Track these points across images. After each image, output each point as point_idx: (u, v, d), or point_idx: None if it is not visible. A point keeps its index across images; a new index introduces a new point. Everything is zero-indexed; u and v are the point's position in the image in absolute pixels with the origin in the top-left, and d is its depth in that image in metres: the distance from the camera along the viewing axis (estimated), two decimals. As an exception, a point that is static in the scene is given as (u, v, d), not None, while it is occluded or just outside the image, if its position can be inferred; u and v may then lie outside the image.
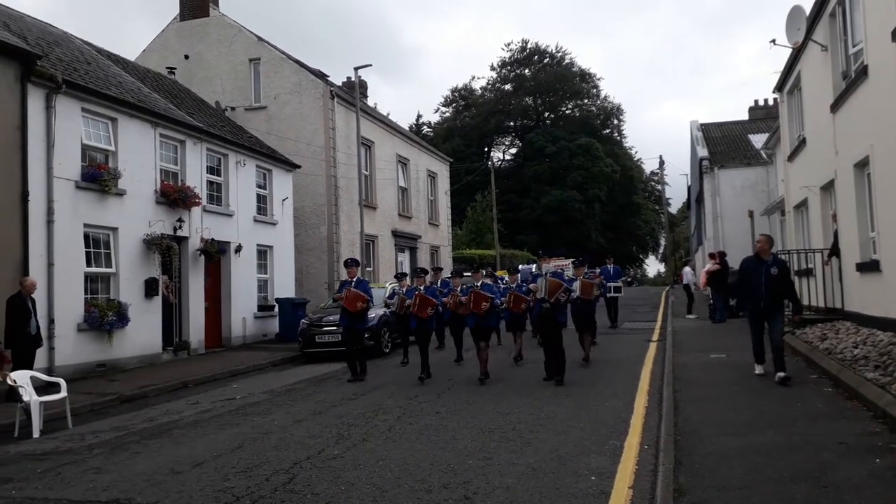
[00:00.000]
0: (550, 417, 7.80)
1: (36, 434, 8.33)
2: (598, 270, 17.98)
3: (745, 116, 33.49)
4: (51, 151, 12.46)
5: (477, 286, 10.99)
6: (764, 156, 25.91)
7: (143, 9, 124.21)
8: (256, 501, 5.34)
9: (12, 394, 9.11)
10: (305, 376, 12.68)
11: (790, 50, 14.35)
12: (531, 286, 10.20)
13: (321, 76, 24.22)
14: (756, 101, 33.35)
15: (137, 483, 6.03)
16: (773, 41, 13.63)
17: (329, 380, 11.99)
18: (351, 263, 11.80)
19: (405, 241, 28.16)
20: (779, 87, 17.54)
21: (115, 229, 14.10)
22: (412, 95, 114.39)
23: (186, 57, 24.24)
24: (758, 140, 27.66)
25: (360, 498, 5.28)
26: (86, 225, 13.39)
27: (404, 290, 12.69)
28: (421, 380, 10.85)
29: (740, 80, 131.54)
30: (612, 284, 17.58)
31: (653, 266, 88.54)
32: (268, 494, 5.50)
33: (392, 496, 5.29)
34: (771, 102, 30.75)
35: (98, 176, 13.50)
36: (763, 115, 31.45)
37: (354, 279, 11.69)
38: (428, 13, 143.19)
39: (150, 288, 14.76)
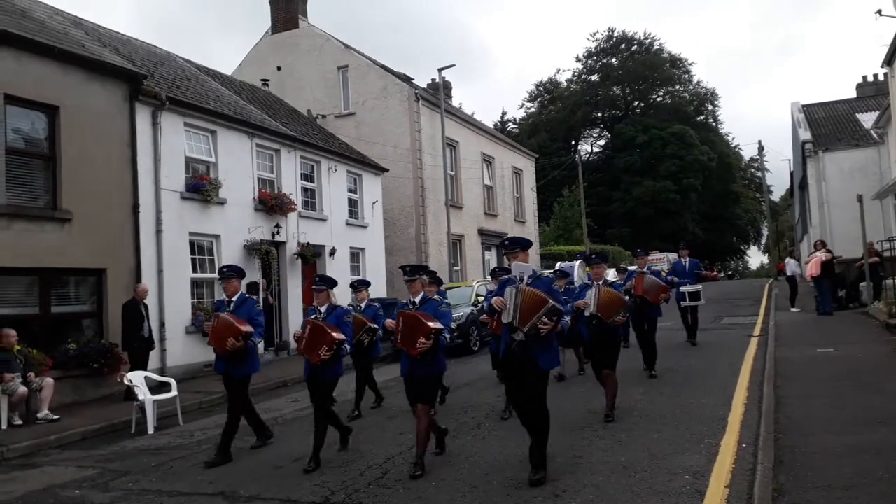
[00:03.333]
0: (643, 415, 7.63)
1: (150, 430, 8.94)
2: (653, 267, 13.13)
3: (853, 94, 31.39)
4: (158, 164, 13.32)
5: (412, 305, 6.42)
6: (875, 135, 24.20)
7: (237, 27, 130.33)
8: (351, 495, 5.54)
9: (129, 393, 9.81)
10: (398, 374, 12.93)
11: (899, 21, 13.37)
12: (494, 300, 5.79)
13: (406, 79, 24.65)
14: (864, 77, 31.19)
15: (241, 477, 6.37)
16: (879, 12, 12.75)
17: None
18: (228, 274, 7.39)
19: (491, 240, 28.19)
20: (888, 61, 16.37)
21: (217, 236, 14.89)
22: (497, 92, 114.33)
23: (279, 68, 25.25)
24: (867, 119, 25.85)
25: (451, 493, 5.37)
26: (191, 233, 14.21)
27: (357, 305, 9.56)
28: (307, 470, 6.35)
29: (845, 57, 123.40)
30: (686, 290, 12.82)
31: (755, 257, 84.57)
32: (362, 488, 5.69)
33: (482, 492, 5.36)
34: (881, 78, 28.69)
35: (201, 186, 14.30)
36: (873, 92, 29.36)
37: (235, 297, 7.33)
38: (506, 8, 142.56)
39: (252, 291, 15.47)
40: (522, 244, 5.98)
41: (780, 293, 23.62)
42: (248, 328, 7.00)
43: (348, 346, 6.94)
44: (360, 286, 9.70)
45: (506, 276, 6.08)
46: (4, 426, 9.13)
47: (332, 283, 7.30)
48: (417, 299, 6.42)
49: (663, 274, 11.94)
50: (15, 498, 6.27)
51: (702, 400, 8.20)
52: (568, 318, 5.73)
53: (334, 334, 6.58)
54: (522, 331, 5.48)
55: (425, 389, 6.27)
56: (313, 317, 6.92)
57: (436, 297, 6.85)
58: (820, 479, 4.91)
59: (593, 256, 8.14)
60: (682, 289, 12.92)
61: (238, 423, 7.34)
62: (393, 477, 5.95)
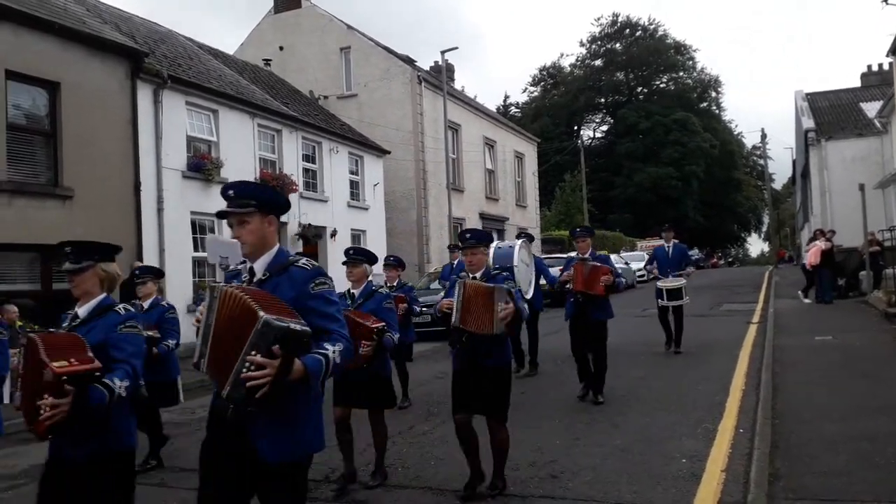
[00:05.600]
0: (640, 400, 7.67)
1: (152, 407, 8.94)
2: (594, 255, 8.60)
3: (857, 83, 31.25)
4: (159, 143, 13.29)
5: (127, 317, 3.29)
6: (878, 125, 24.12)
7: (230, 8, 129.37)
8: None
9: (130, 370, 9.80)
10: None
11: (907, 9, 13.27)
12: (199, 311, 2.77)
13: (409, 61, 24.50)
14: (869, 67, 31.02)
15: (241, 454, 6.41)
16: (885, 1, 12.65)
17: (419, 359, 12.24)
18: None
19: (492, 224, 28.18)
20: (893, 51, 16.26)
21: (218, 216, 14.88)
22: (499, 76, 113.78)
23: (281, 48, 25.11)
24: (871, 108, 25.77)
25: (448, 472, 5.41)
26: (192, 212, 14.21)
27: None
28: None
29: (850, 45, 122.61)
30: (665, 285, 10.30)
31: (755, 245, 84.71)
32: (360, 467, 5.72)
33: (479, 473, 5.39)
34: (886, 67, 28.53)
35: (202, 165, 14.29)
36: (877, 82, 29.24)
37: None
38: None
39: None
40: (259, 197, 2.82)
41: (781, 281, 23.65)
42: None
43: (119, 387, 3.04)
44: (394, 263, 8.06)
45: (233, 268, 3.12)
46: (6, 401, 9.17)
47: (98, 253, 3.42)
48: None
49: (617, 263, 9.58)
50: (17, 472, 6.32)
51: (700, 385, 8.24)
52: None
53: (54, 364, 2.84)
54: (223, 391, 2.58)
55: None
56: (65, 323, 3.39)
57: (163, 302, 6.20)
58: (816, 465, 4.95)
59: (467, 236, 4.98)
60: (659, 284, 10.48)
61: None
62: (392, 456, 5.98)
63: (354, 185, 20.51)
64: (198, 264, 14.48)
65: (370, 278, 5.55)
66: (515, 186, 31.41)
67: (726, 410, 6.89)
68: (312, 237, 17.51)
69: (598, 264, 7.58)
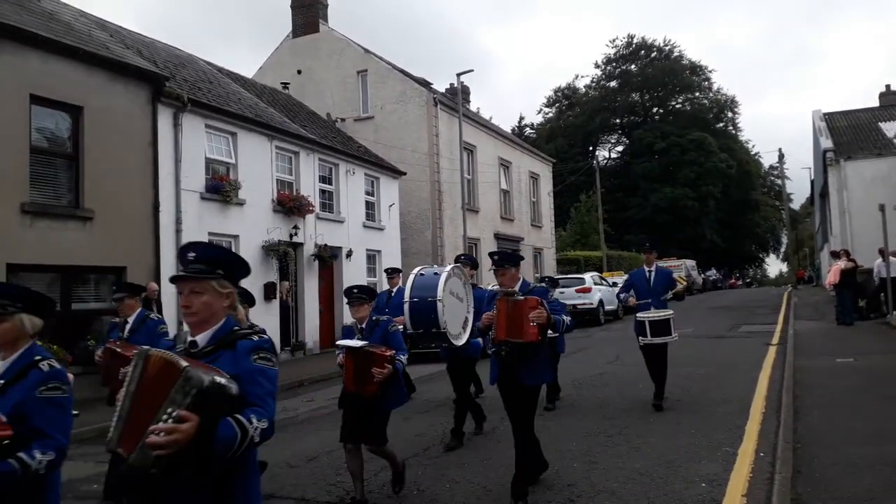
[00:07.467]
0: (659, 422, 7.59)
1: (168, 427, 8.95)
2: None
3: (876, 103, 31.05)
4: (178, 165, 13.48)
5: None
6: (897, 145, 23.94)
7: (244, 36, 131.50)
8: (365, 496, 5.55)
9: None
10: (413, 375, 12.93)
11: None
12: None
13: (425, 84, 24.73)
14: (887, 86, 30.84)
15: (257, 475, 6.40)
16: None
17: (435, 380, 12.19)
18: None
19: (507, 244, 28.14)
20: (912, 70, 16.15)
21: (236, 237, 15.02)
22: (515, 98, 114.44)
23: (299, 72, 25.43)
24: (890, 128, 25.59)
25: (465, 496, 5.37)
26: (210, 233, 14.35)
27: None
28: None
29: (868, 65, 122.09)
30: (647, 317, 8.20)
31: (774, 266, 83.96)
32: (376, 489, 5.71)
33: (495, 496, 5.35)
34: (905, 87, 28.35)
35: (220, 187, 14.45)
36: (896, 101, 29.06)
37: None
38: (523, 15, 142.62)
39: (269, 291, 15.60)
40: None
41: (800, 301, 23.36)
42: None
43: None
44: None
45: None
46: None
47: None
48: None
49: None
50: None
51: (719, 408, 8.13)
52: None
53: None
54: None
55: None
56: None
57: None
58: (839, 490, 4.86)
59: (189, 256, 2.64)
60: (639, 315, 8.33)
61: None
62: (408, 479, 5.94)
63: (370, 206, 20.63)
64: (215, 285, 14.60)
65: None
66: (530, 207, 31.43)
67: (746, 434, 6.79)
68: (328, 258, 17.60)
69: (524, 297, 5.11)
